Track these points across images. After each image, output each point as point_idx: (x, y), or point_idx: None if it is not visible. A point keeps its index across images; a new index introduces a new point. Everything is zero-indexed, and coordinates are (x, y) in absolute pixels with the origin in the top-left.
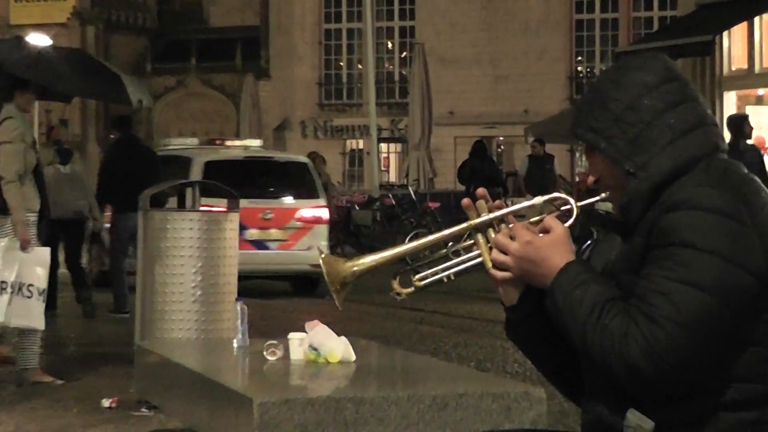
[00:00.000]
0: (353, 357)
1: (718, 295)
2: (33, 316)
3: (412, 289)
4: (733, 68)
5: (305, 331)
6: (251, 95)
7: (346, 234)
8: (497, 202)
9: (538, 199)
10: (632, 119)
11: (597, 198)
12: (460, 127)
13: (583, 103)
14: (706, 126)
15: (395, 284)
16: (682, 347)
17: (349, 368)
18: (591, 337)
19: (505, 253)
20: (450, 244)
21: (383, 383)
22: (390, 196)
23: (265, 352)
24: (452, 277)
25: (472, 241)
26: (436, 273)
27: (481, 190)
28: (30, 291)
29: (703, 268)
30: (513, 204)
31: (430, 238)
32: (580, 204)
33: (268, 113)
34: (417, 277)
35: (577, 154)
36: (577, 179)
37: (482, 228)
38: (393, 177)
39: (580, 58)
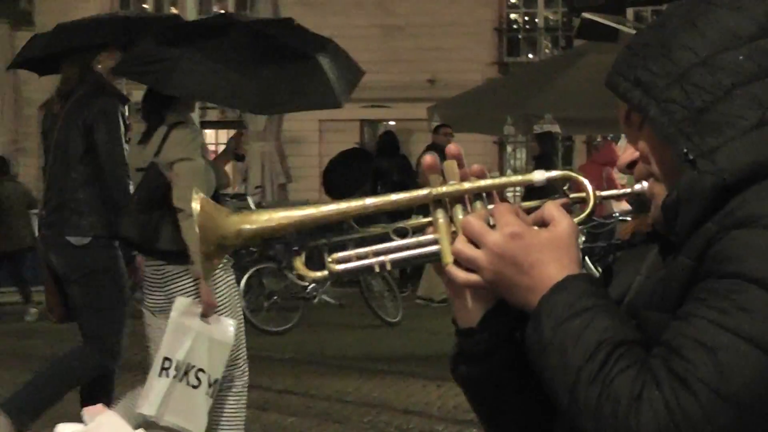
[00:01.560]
0: None
1: None
2: (194, 415)
3: (325, 273)
4: None
5: (83, 422)
6: (5, 51)
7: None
8: (476, 167)
9: (539, 175)
10: (705, 81)
11: (628, 189)
12: None
13: (637, 40)
14: None
15: (299, 264)
16: (720, 429)
17: None
18: (585, 394)
19: (476, 245)
20: (399, 224)
21: None
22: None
23: None
24: (387, 267)
25: (428, 219)
26: (364, 256)
27: (453, 147)
28: (198, 379)
29: None
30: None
31: (368, 201)
32: (602, 194)
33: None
34: (334, 257)
35: (509, 149)
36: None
37: (446, 202)
38: None
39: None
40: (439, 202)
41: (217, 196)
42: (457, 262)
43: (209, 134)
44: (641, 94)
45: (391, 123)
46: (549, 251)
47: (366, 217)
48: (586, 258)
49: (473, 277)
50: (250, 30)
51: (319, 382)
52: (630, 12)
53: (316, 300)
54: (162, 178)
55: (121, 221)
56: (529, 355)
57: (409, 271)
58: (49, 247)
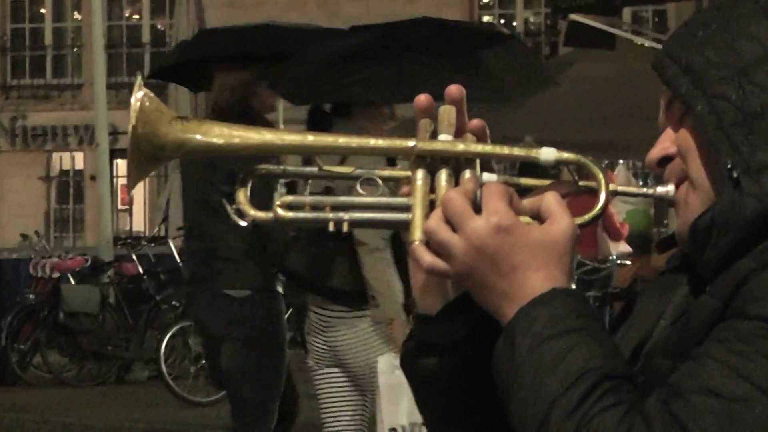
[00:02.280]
0: None
1: None
2: None
3: (269, 215)
4: None
5: None
6: None
7: (51, 329)
8: (476, 121)
9: (548, 153)
10: None
11: (650, 190)
12: None
13: (698, 19)
14: None
15: (242, 196)
16: None
17: None
18: (556, 427)
19: (454, 228)
20: (368, 171)
21: None
22: (134, 258)
23: None
24: (345, 226)
25: (406, 174)
26: (320, 206)
27: (455, 89)
28: None
29: None
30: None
31: (341, 139)
32: (617, 188)
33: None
34: (284, 200)
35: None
36: None
37: (431, 161)
38: (140, 223)
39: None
40: (423, 159)
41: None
42: (429, 244)
43: (121, 164)
44: (689, 83)
45: None
46: (537, 255)
47: (335, 152)
48: None
49: (441, 265)
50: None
51: None
52: (627, 12)
53: None
54: None
55: (288, 255)
56: (496, 373)
57: None
58: (199, 304)
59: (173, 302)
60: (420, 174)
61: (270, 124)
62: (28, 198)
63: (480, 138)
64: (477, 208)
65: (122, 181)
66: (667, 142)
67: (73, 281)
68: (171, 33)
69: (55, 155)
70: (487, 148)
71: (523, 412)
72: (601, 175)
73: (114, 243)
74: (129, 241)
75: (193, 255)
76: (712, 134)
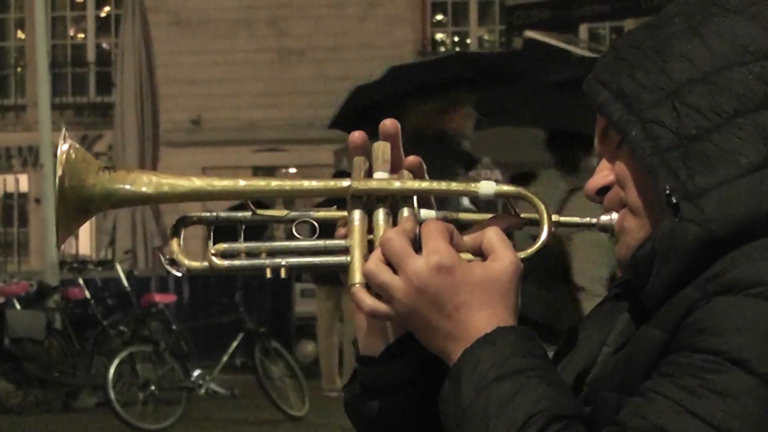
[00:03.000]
0: None
1: None
2: None
3: (204, 263)
4: None
5: None
6: None
7: None
8: (412, 158)
9: (487, 187)
10: (703, 102)
11: (593, 219)
12: (215, 150)
13: (625, 42)
14: None
15: (175, 246)
16: None
17: None
18: None
19: (394, 269)
20: (304, 213)
21: None
22: (81, 283)
23: None
24: (283, 272)
25: (342, 214)
26: (255, 252)
27: (390, 123)
28: None
29: (755, 411)
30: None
31: (274, 183)
32: (559, 218)
33: None
34: (218, 248)
35: None
36: None
37: (368, 200)
38: (86, 246)
39: (440, 17)
40: (360, 198)
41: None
42: (369, 286)
43: None
44: (623, 109)
45: (291, 170)
46: (481, 293)
47: (267, 196)
48: None
49: (382, 308)
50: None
51: None
52: (583, 29)
53: (202, 390)
54: (561, 247)
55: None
56: (443, 418)
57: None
58: None
59: (121, 327)
60: (357, 214)
61: (465, 149)
62: None
63: (417, 174)
64: (417, 247)
65: None
66: (605, 171)
67: (18, 306)
68: (116, 52)
69: None
70: (424, 184)
71: None
72: (542, 207)
73: (60, 267)
74: (75, 265)
75: None
76: (649, 160)
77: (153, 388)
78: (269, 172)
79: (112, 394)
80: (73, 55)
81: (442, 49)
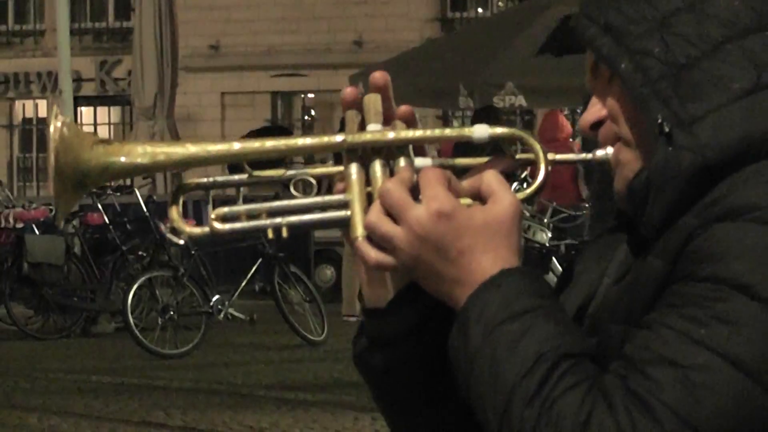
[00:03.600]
0: None
1: None
2: None
3: (205, 229)
4: None
5: None
6: None
7: (15, 281)
8: (404, 108)
9: (481, 131)
10: (691, 31)
11: (588, 155)
12: (233, 75)
13: None
14: None
15: (175, 213)
16: None
17: None
18: (519, 417)
19: (395, 219)
20: (301, 172)
21: None
22: (100, 207)
23: None
24: (284, 230)
25: (339, 169)
26: (256, 214)
27: (379, 75)
28: None
29: (762, 336)
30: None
31: (269, 143)
32: (555, 157)
33: None
34: (218, 212)
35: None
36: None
37: (363, 153)
38: None
39: None
40: (355, 152)
41: None
42: (371, 238)
43: (86, 112)
44: (611, 43)
45: (309, 95)
46: (483, 237)
47: (266, 156)
48: (553, 258)
49: (387, 259)
50: None
51: (227, 417)
52: None
53: (221, 315)
54: None
55: None
56: (453, 364)
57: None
58: None
59: (140, 252)
60: (353, 168)
61: None
62: None
63: (410, 124)
64: (415, 196)
65: (87, 128)
66: (597, 105)
67: (37, 231)
68: None
69: (18, 103)
70: (418, 133)
71: (483, 401)
72: (538, 146)
73: None
74: (94, 190)
75: None
76: (639, 91)
77: (172, 313)
78: (288, 96)
79: (131, 319)
80: None
81: None
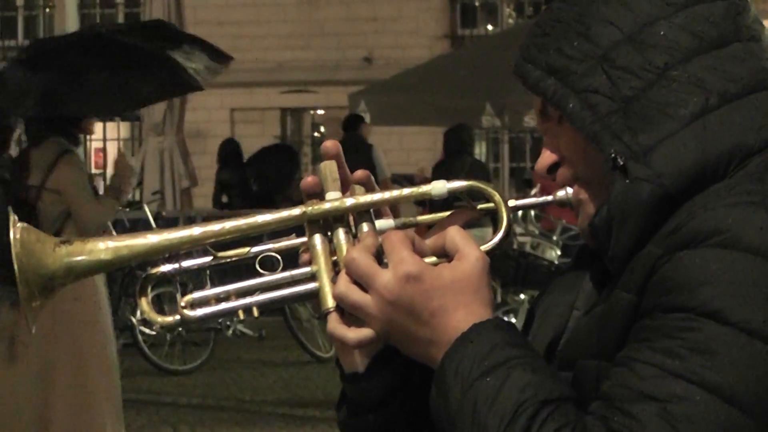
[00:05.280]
0: None
1: (760, 413)
2: None
3: (176, 318)
4: None
5: None
6: None
7: None
8: (359, 172)
9: (439, 187)
10: (633, 62)
11: (548, 198)
12: (243, 92)
13: (546, 17)
14: None
15: (145, 305)
16: None
17: None
18: None
19: (363, 287)
20: (265, 247)
21: None
22: (109, 224)
23: None
24: (255, 312)
25: (302, 241)
26: (224, 297)
27: (330, 144)
28: None
29: (737, 360)
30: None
31: (228, 224)
32: (516, 203)
33: None
34: (188, 299)
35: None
36: None
37: (325, 224)
38: None
39: None
40: (317, 222)
41: None
42: (341, 309)
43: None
44: (556, 84)
45: (319, 112)
46: (453, 295)
47: (228, 238)
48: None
49: (366, 334)
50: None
51: None
52: None
53: (229, 332)
54: None
55: None
56: (436, 423)
57: None
58: None
59: (148, 268)
60: (317, 239)
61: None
62: None
63: (367, 186)
64: (381, 260)
65: (96, 144)
66: (550, 148)
67: None
68: None
69: None
70: (376, 197)
71: None
72: (497, 196)
73: None
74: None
75: None
76: (590, 129)
77: (180, 329)
78: (297, 113)
79: (139, 336)
80: None
81: None
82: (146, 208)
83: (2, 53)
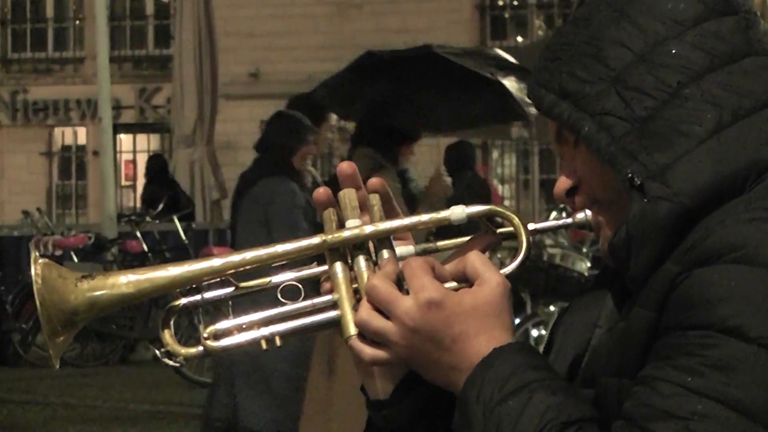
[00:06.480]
0: None
1: None
2: None
3: (200, 349)
4: None
5: None
6: None
7: None
8: (374, 182)
9: (458, 212)
10: (646, 82)
11: (569, 220)
12: (273, 103)
13: (557, 41)
14: None
15: (168, 337)
16: None
17: None
18: None
19: (385, 315)
20: (287, 277)
21: None
22: (139, 236)
23: None
24: (278, 341)
25: (323, 270)
26: (248, 327)
27: (346, 166)
28: None
29: (758, 376)
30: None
31: (248, 255)
32: (535, 226)
33: None
34: (211, 330)
35: (495, 154)
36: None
37: (345, 252)
38: None
39: None
40: (337, 250)
41: None
42: (363, 336)
43: (125, 139)
44: (571, 108)
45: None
46: (475, 320)
47: (248, 269)
48: None
49: (383, 355)
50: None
51: None
52: None
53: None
54: None
55: None
56: None
57: None
58: None
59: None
60: (338, 267)
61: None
62: (30, 174)
63: (383, 196)
64: (402, 287)
65: (126, 156)
66: (567, 172)
67: (75, 259)
68: (175, 4)
69: (57, 130)
70: (395, 224)
71: None
72: (516, 219)
73: (118, 220)
74: (133, 217)
75: None
76: (606, 150)
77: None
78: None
79: None
80: (132, 7)
81: (500, 3)
82: (176, 220)
83: (33, 65)
